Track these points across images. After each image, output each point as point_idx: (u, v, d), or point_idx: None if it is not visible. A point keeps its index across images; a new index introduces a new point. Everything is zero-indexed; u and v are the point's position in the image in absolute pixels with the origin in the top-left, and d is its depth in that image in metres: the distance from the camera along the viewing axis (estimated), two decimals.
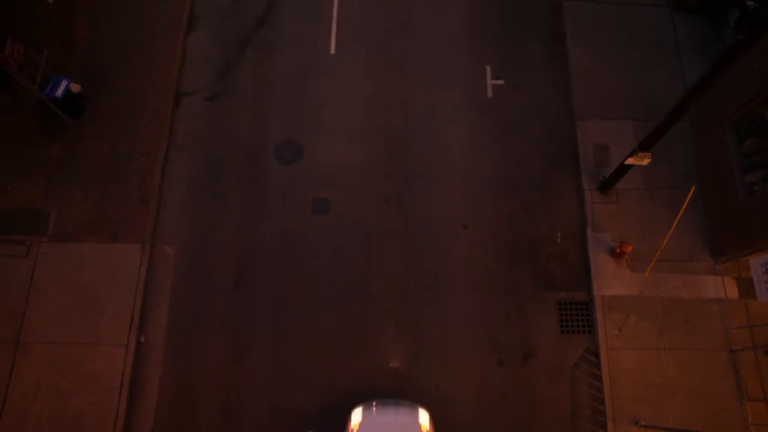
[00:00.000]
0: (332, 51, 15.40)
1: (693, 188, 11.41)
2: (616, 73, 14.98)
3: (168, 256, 13.34)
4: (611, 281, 13.04)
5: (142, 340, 12.60)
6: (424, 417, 11.20)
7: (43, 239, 13.17)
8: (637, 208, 13.68)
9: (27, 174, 13.76)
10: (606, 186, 13.58)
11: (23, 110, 14.14)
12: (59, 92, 13.33)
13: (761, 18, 8.26)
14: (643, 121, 14.29)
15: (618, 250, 12.91)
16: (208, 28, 15.74)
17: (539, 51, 15.47)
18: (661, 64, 15.05)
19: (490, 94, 14.97)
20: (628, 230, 13.47)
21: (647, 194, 13.79)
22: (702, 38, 15.23)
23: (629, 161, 11.90)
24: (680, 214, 11.80)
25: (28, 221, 13.33)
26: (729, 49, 8.98)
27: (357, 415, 11.22)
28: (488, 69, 15.22)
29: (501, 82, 15.08)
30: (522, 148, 14.44)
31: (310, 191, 13.96)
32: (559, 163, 14.33)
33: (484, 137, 14.54)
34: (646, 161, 11.79)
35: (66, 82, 13.45)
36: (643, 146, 11.51)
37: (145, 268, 13.04)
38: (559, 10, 15.83)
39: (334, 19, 15.74)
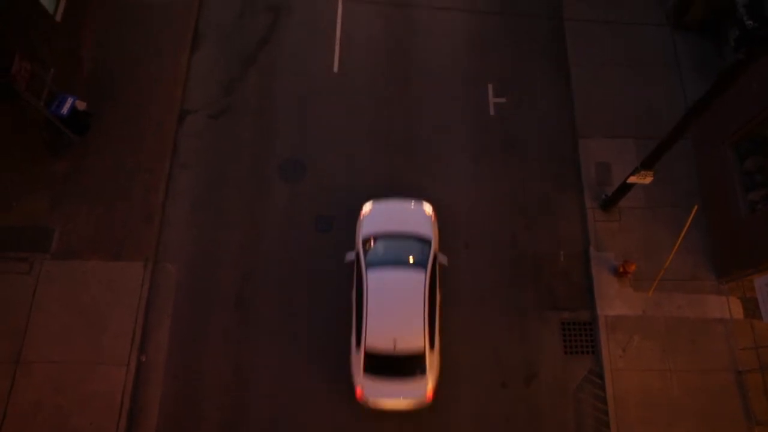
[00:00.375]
0: (335, 69, 15.54)
1: (695, 207, 11.37)
2: (618, 90, 15.05)
3: (170, 274, 13.33)
4: (615, 301, 12.96)
5: (143, 360, 12.55)
6: (428, 207, 12.81)
7: (46, 256, 13.20)
8: (640, 227, 13.64)
9: (32, 191, 13.85)
10: (608, 204, 13.57)
11: (29, 127, 14.26)
12: (65, 110, 13.46)
13: (760, 37, 8.30)
14: (645, 139, 14.33)
15: (621, 269, 12.84)
16: (213, 46, 15.93)
17: (541, 69, 15.58)
18: (662, 81, 15.13)
19: (492, 112, 15.05)
20: (631, 249, 13.42)
21: (650, 212, 13.76)
22: (702, 56, 15.31)
23: (632, 180, 11.90)
24: (683, 233, 11.74)
25: (32, 238, 13.38)
26: (729, 69, 9.00)
27: (368, 205, 12.82)
28: (490, 87, 15.32)
29: (503, 100, 15.16)
30: (524, 166, 14.46)
31: (313, 209, 13.99)
32: (562, 181, 14.33)
33: (486, 155, 14.58)
34: (648, 180, 11.79)
35: (72, 100, 13.58)
36: (645, 164, 11.52)
37: (147, 286, 13.04)
38: (560, 29, 15.96)
39: (337, 38, 15.90)
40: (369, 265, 11.77)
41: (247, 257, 13.53)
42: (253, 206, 14.05)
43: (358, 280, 11.79)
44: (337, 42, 15.87)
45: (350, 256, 12.42)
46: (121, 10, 16.05)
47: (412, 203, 12.75)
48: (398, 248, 11.96)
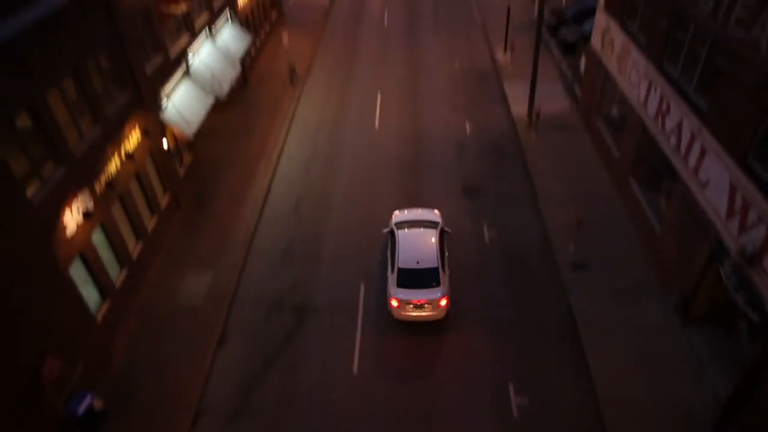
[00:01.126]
0: (355, 371, 15.67)
1: None
2: (642, 383, 14.60)
3: None
4: None
5: None
6: (437, 211, 19.99)
7: None
8: None
9: None
10: None
11: (42, 421, 13.85)
12: (81, 410, 13.38)
13: None
14: None
15: None
16: (239, 344, 16.57)
17: (559, 366, 15.49)
18: (682, 374, 14.73)
19: (515, 413, 14.44)
20: None
21: None
22: (717, 346, 15.14)
23: None
24: None
25: None
26: (750, 368, 9.00)
27: (396, 212, 19.21)
28: (511, 387, 15.06)
29: (525, 401, 14.70)
30: None
31: None
32: None
33: None
34: None
35: (90, 398, 13.60)
36: None
37: None
38: (573, 324, 16.57)
39: (358, 340, 16.52)
40: (399, 228, 17.79)
41: None
42: None
43: (392, 241, 17.49)
44: (357, 343, 16.43)
45: (385, 230, 18.78)
46: (156, 311, 17.42)
47: (427, 210, 19.06)
48: (417, 224, 17.97)
